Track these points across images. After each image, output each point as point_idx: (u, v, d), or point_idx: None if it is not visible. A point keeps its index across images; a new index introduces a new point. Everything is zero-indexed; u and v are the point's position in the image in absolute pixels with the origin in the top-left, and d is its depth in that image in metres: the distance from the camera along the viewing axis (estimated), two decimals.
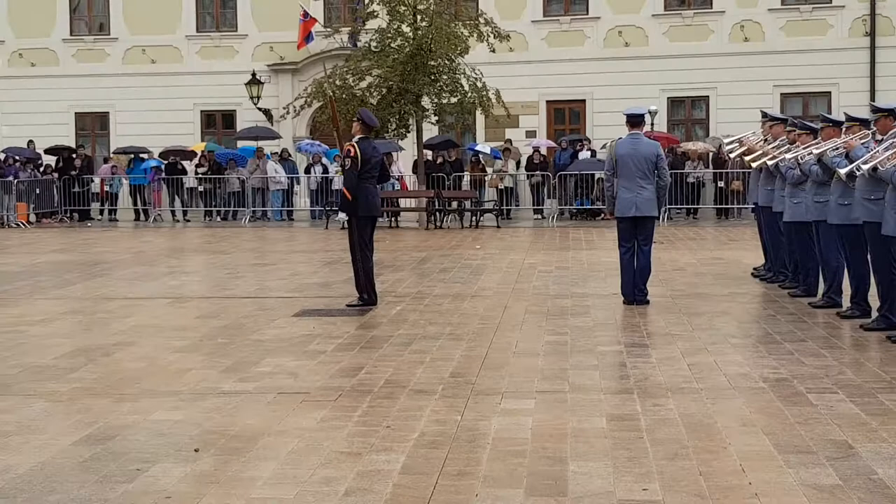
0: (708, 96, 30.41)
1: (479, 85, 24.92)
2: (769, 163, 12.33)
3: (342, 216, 12.90)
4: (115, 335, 10.05)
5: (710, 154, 27.58)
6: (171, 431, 6.49)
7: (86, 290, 13.66)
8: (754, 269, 14.15)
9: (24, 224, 27.28)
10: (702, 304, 11.54)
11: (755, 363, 8.32)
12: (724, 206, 26.80)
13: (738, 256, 16.57)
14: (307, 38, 31.22)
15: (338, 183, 25.21)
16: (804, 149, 11.22)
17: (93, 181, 29.91)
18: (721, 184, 26.69)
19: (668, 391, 7.35)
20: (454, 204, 26.54)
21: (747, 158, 13.19)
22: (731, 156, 14.58)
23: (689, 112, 31.14)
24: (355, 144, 11.46)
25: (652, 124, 26.60)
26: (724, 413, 6.72)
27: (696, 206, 27.08)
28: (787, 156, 11.54)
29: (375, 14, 25.26)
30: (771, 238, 13.19)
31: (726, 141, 14.98)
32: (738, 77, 29.19)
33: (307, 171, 29.01)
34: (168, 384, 7.83)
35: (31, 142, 31.12)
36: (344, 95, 24.73)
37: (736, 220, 25.97)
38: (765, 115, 14.04)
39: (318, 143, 29.83)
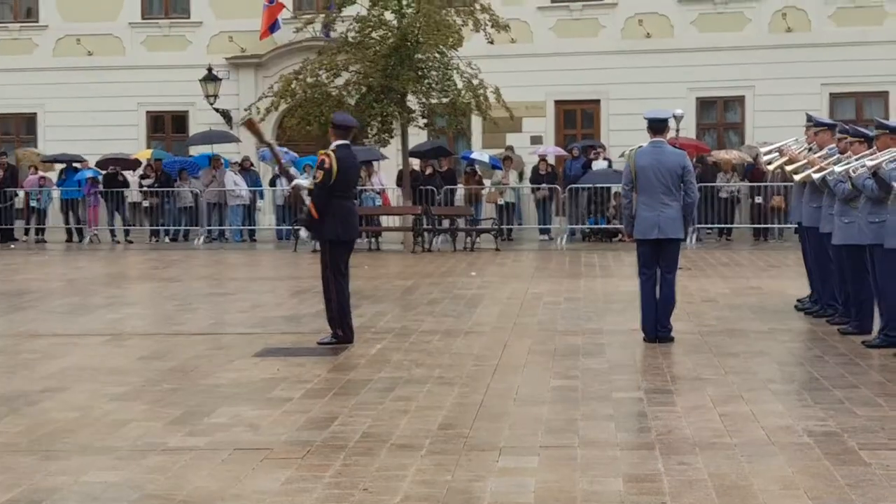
0: (743, 97, 30.54)
1: (476, 82, 24.99)
2: (815, 176, 12.36)
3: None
4: (41, 380, 10.02)
5: (746, 165, 27.67)
6: (106, 496, 6.47)
7: (7, 326, 13.64)
8: (798, 300, 14.17)
9: None
10: (736, 343, 11.55)
11: (799, 414, 8.33)
12: (762, 225, 26.88)
13: (778, 286, 16.60)
14: (272, 26, 31.52)
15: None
16: (856, 160, 11.25)
17: (17, 195, 29.85)
18: (759, 200, 26.77)
19: (696, 447, 7.35)
20: (445, 223, 26.57)
21: (789, 169, 13.23)
22: (770, 167, 14.61)
23: (721, 115, 31.27)
24: (331, 153, 11.49)
25: (677, 130, 26.70)
26: (761, 473, 6.72)
27: (729, 226, 27.16)
28: (837, 168, 11.57)
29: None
30: (818, 264, 13.21)
31: (764, 150, 15.01)
32: (780, 74, 29.31)
33: (272, 183, 29.03)
34: (104, 439, 7.80)
35: None
36: (317, 95, 24.81)
37: (776, 242, 26.04)
38: (810, 119, 14.09)
39: (285, 149, 29.78)
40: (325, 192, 11.45)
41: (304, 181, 12.16)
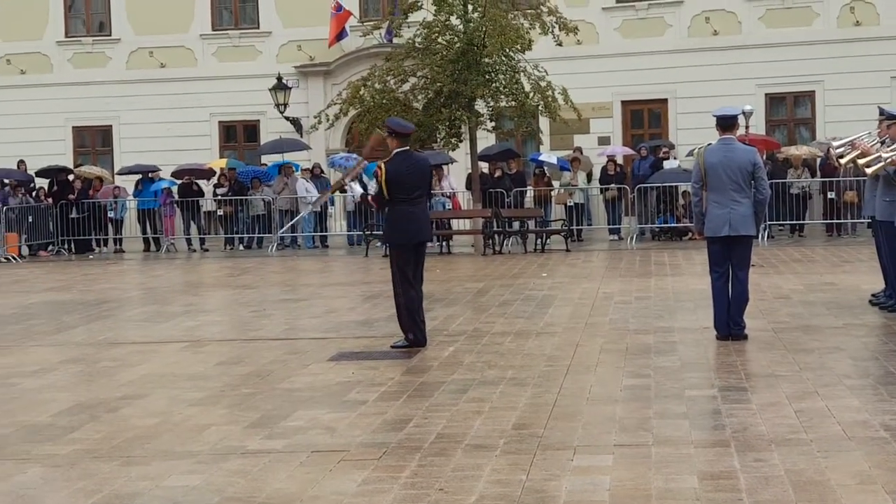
0: (813, 91, 30.26)
1: (543, 84, 24.95)
2: (888, 169, 12.22)
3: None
4: (121, 387, 10.15)
5: (818, 160, 27.40)
6: (187, 499, 6.54)
7: (88, 335, 13.80)
8: (872, 295, 14.03)
9: (14, 258, 27.64)
10: (810, 339, 11.46)
11: (875, 408, 8.25)
12: (834, 221, 26.60)
13: (852, 281, 16.43)
14: (340, 34, 31.73)
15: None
16: None
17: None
18: (831, 195, 26.50)
19: (772, 443, 7.30)
20: (515, 225, 26.56)
21: (861, 163, 13.10)
22: (842, 161, 14.47)
23: (791, 111, 30.99)
24: (382, 165, 11.62)
25: (747, 126, 26.47)
26: (838, 469, 6.67)
27: (801, 223, 26.90)
28: None
29: (420, 5, 25.42)
30: (892, 258, 13.07)
31: (836, 144, 14.86)
32: (850, 68, 29.02)
33: (342, 189, 29.14)
34: (184, 444, 7.89)
35: (21, 162, 31.52)
36: (385, 101, 24.90)
37: (849, 237, 25.76)
38: (882, 112, 13.94)
39: (354, 156, 30.00)
40: (384, 201, 11.66)
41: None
